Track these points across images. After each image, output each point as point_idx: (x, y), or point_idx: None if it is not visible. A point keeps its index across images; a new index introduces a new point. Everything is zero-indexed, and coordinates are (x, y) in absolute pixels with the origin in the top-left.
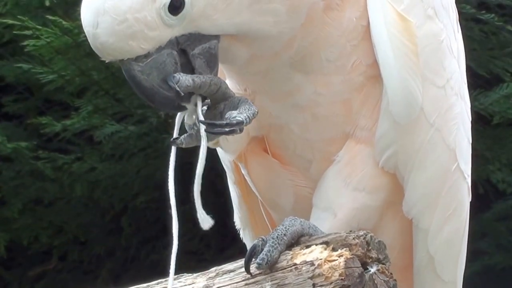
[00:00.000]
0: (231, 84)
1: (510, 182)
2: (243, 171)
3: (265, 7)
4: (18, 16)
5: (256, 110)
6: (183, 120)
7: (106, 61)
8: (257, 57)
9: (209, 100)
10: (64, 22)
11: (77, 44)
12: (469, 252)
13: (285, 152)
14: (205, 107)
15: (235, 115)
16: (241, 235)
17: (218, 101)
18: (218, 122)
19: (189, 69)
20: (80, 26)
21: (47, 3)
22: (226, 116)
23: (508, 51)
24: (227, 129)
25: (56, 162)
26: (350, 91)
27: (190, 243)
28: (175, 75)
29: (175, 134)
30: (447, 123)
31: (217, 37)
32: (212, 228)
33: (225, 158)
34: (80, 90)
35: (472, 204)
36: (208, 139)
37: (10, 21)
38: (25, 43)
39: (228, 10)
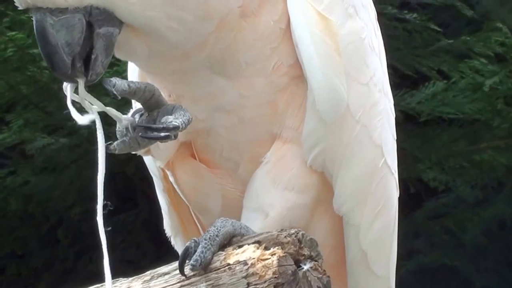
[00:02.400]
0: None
1: (441, 180)
2: (170, 178)
3: (176, 13)
4: None
5: (191, 117)
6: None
7: (20, 7)
8: (160, 56)
9: (143, 107)
10: None
11: (4, 59)
12: (404, 251)
13: (212, 155)
14: (137, 115)
15: (171, 120)
16: (173, 242)
17: (151, 108)
18: (154, 126)
19: (88, 45)
20: (6, 41)
21: None
22: (162, 121)
23: (433, 49)
24: (162, 134)
25: None
26: (275, 92)
27: (127, 252)
28: (111, 79)
29: (68, 103)
30: (372, 120)
31: (120, 26)
32: (147, 237)
33: (153, 166)
34: (10, 104)
35: (404, 203)
36: (141, 145)
37: None
38: None
39: (145, 1)
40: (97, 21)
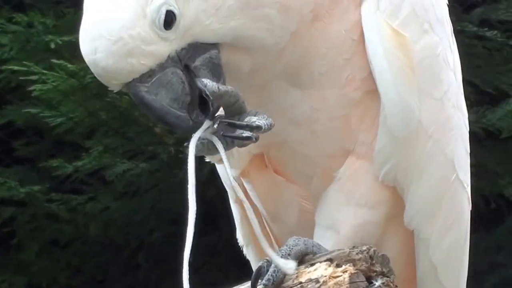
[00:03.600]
0: None
1: None
2: (247, 187)
3: (257, 12)
4: (24, 62)
5: (273, 122)
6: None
7: (114, 91)
8: (257, 70)
9: (225, 112)
10: (69, 65)
11: (83, 86)
12: (486, 265)
13: (285, 168)
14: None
15: (255, 119)
16: (245, 252)
17: (233, 113)
18: (238, 123)
19: (196, 87)
20: (85, 68)
21: (52, 46)
22: (246, 120)
23: None
24: (244, 134)
25: (70, 203)
26: (348, 107)
27: (209, 274)
28: (203, 79)
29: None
30: (445, 134)
31: (216, 46)
32: (229, 258)
33: (226, 177)
34: (90, 131)
35: (486, 218)
36: (219, 148)
37: (16, 67)
38: (32, 87)
39: (220, 14)
40: (189, 58)
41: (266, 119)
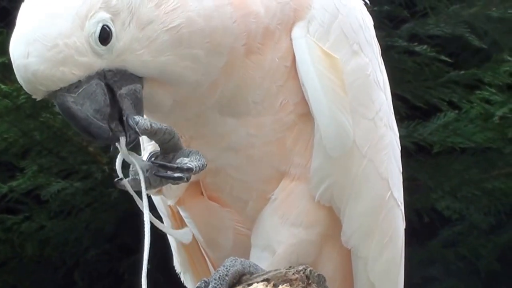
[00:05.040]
0: None
1: (454, 208)
2: (182, 214)
3: (186, 51)
4: None
5: (206, 163)
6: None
7: (38, 99)
8: (180, 104)
9: (160, 149)
10: (2, 86)
11: (17, 106)
12: (419, 279)
13: (220, 194)
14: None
15: (186, 161)
16: (182, 279)
17: (168, 151)
18: (169, 165)
19: (116, 107)
20: (19, 89)
21: None
22: (178, 161)
23: (443, 81)
24: (175, 175)
25: (5, 223)
26: (282, 131)
27: None
28: (135, 117)
29: (118, 173)
30: (378, 154)
31: (141, 81)
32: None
33: (161, 206)
34: (24, 150)
35: (419, 232)
36: (152, 185)
37: None
38: None
39: (152, 48)
40: (115, 82)
41: (199, 159)
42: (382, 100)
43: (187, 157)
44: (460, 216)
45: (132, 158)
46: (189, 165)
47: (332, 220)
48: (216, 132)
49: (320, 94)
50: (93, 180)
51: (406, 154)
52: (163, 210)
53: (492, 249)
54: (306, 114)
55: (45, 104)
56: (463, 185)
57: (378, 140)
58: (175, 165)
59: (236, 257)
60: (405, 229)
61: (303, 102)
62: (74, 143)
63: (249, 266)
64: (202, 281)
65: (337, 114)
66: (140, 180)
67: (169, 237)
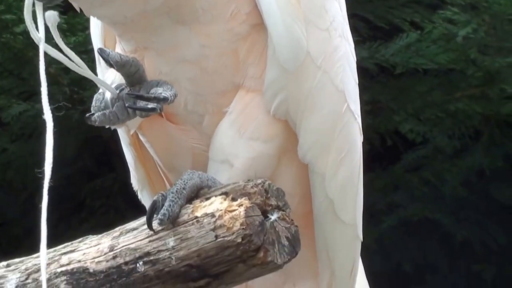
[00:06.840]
0: (123, 43)
1: (418, 131)
2: (142, 139)
3: None
4: None
5: (177, 92)
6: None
7: None
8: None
9: (126, 81)
10: None
11: None
12: (384, 206)
13: (176, 109)
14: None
15: (161, 91)
16: (139, 196)
17: (134, 83)
18: (145, 95)
19: None
20: None
21: None
22: (151, 91)
23: (405, 0)
24: (149, 106)
25: None
26: (235, 41)
27: (106, 216)
28: (106, 49)
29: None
30: (333, 65)
31: None
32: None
33: (124, 134)
34: None
35: (382, 156)
36: (121, 119)
37: None
38: None
39: None
40: None
41: (171, 89)
42: (336, 10)
43: (158, 87)
44: (424, 140)
45: (103, 86)
46: (164, 95)
47: (290, 134)
48: (170, 42)
49: (273, 5)
50: (55, 101)
51: (368, 75)
52: (125, 138)
53: (457, 174)
54: (259, 24)
55: (5, 24)
56: (427, 107)
57: (332, 51)
58: (152, 95)
59: (194, 170)
60: (367, 153)
61: (256, 11)
62: (35, 64)
63: (207, 180)
64: (160, 195)
65: (290, 24)
66: (107, 114)
67: (126, 154)
